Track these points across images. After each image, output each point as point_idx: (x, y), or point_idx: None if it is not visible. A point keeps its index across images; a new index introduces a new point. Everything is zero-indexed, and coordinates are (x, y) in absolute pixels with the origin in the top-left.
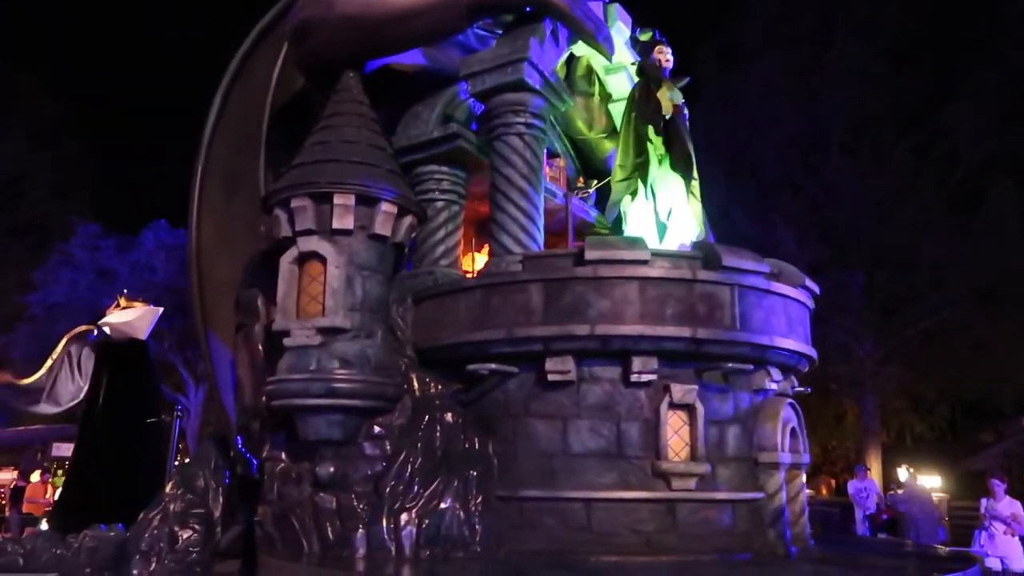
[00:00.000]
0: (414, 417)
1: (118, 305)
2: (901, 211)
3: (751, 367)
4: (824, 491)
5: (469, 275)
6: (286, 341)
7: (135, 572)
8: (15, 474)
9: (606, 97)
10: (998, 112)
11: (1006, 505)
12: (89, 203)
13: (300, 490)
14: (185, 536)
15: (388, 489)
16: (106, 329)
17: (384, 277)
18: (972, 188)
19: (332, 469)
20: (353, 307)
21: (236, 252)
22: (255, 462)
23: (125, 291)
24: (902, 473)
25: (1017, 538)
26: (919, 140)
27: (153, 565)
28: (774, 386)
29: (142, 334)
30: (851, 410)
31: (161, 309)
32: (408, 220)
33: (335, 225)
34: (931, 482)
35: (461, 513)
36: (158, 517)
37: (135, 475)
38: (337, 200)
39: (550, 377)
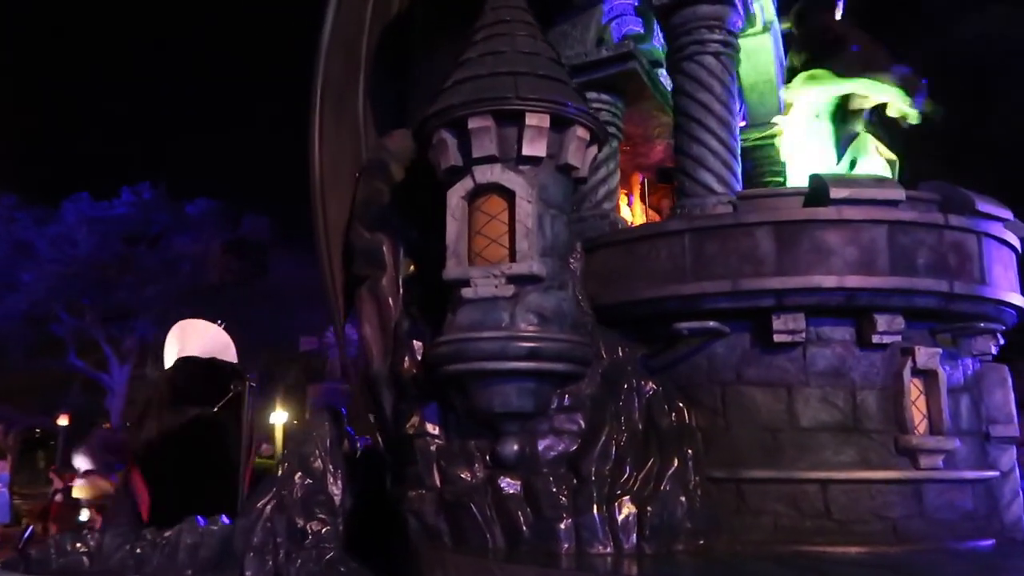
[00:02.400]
0: (605, 386)
1: None
2: None
3: (981, 326)
4: None
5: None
6: (465, 292)
7: (248, 574)
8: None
9: None
10: None
11: None
12: (4, 173)
13: (472, 473)
14: (315, 529)
15: (593, 471)
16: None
17: (568, 219)
18: None
19: (516, 447)
20: (544, 252)
21: (342, 190)
22: (381, 439)
23: None
24: None
25: None
26: None
27: (269, 564)
28: (995, 350)
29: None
30: None
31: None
32: (593, 151)
33: (525, 151)
34: None
35: (683, 499)
36: (270, 506)
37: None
38: (530, 120)
39: (776, 338)
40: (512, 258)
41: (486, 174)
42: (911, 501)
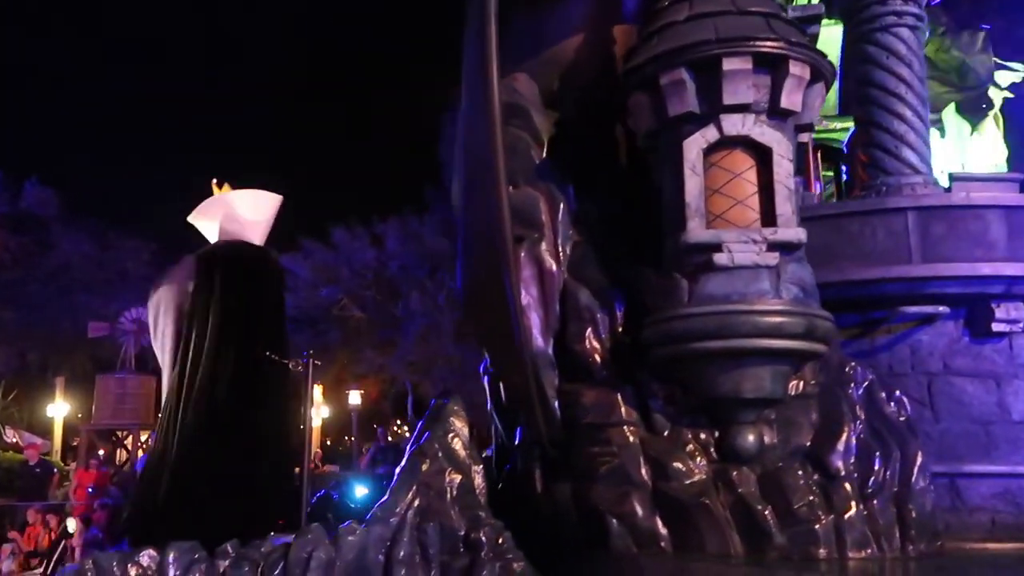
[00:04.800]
0: (827, 372)
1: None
2: None
3: None
4: None
5: None
6: (718, 259)
7: None
8: None
9: None
10: None
11: None
12: None
13: (695, 467)
14: (485, 537)
15: (841, 466)
16: (208, 231)
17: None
18: None
19: (752, 438)
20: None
21: None
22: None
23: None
24: None
25: None
26: None
27: None
28: None
29: (259, 235)
30: None
31: (280, 197)
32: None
33: (783, 103)
34: None
35: (931, 494)
36: (412, 509)
37: (257, 448)
38: (793, 69)
39: (995, 327)
40: (769, 222)
41: (736, 125)
42: None
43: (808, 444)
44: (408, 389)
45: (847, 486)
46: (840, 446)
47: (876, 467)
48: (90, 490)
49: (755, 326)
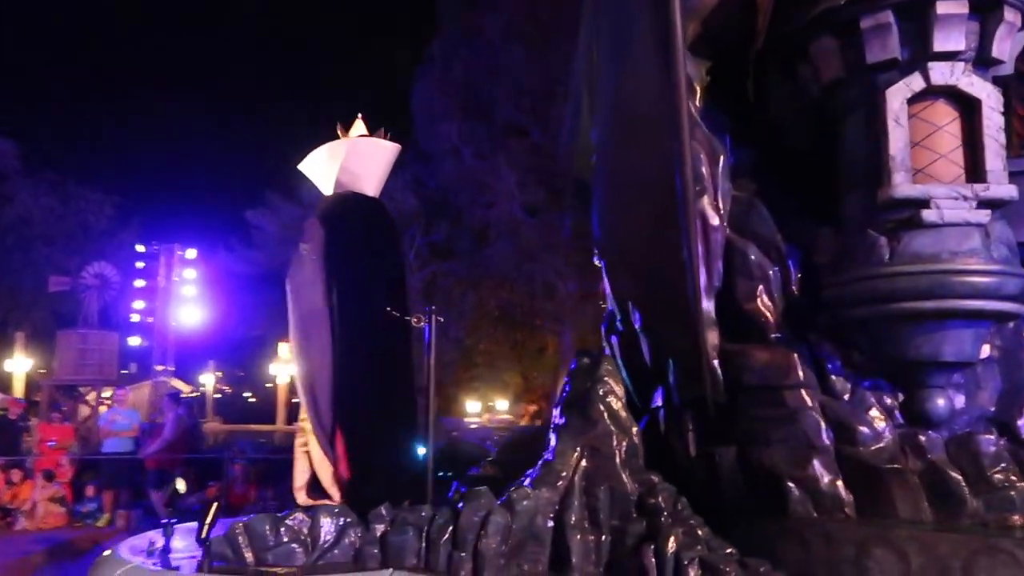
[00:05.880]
0: (999, 334)
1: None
2: None
3: None
4: (526, 418)
5: None
6: (927, 215)
7: (574, 559)
8: None
9: None
10: None
11: None
12: None
13: (882, 432)
14: (658, 500)
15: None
16: (322, 182)
17: None
18: None
19: (942, 403)
20: None
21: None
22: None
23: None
24: None
25: None
26: None
27: (592, 543)
28: None
29: (374, 186)
30: (551, 343)
31: (397, 146)
32: None
33: (994, 52)
34: None
35: None
36: (583, 465)
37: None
38: (1008, 15)
39: None
40: (976, 178)
41: (944, 74)
42: None
43: (993, 409)
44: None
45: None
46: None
47: None
48: (52, 444)
49: (973, 287)
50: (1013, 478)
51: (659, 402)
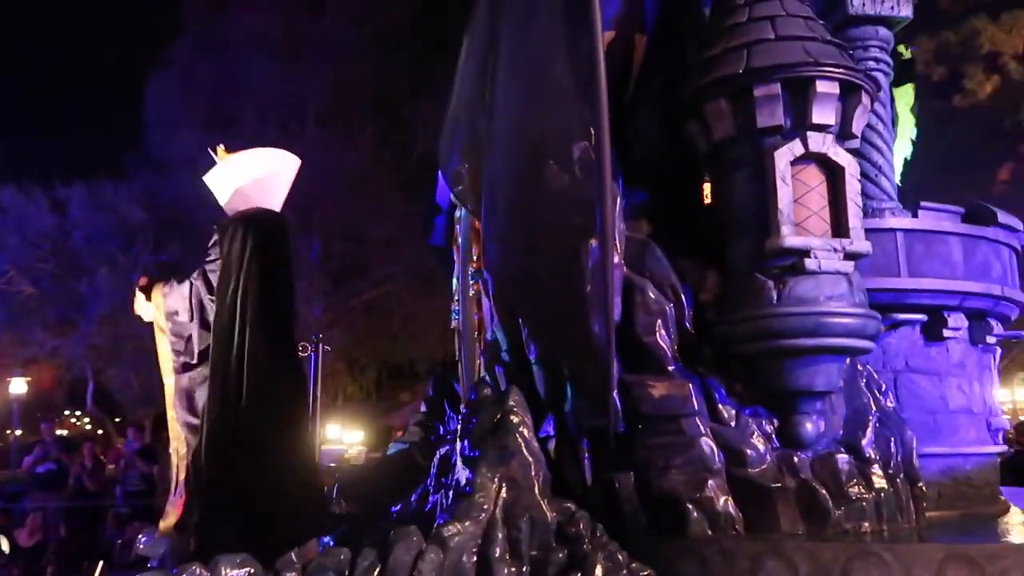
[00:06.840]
0: None
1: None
2: (362, 188)
3: None
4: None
5: None
6: (809, 264)
7: None
8: None
9: None
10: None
11: None
12: None
13: (764, 455)
14: (577, 527)
15: (873, 450)
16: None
17: None
18: (421, 178)
19: (810, 427)
20: None
21: None
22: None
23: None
24: (332, 430)
25: None
26: (383, 127)
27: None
28: None
29: (277, 200)
30: None
31: (298, 160)
32: None
33: (853, 128)
34: (355, 436)
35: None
36: (503, 497)
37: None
38: (864, 98)
39: (946, 333)
40: (841, 233)
41: (819, 143)
42: None
43: (841, 432)
44: (89, 376)
45: (877, 468)
46: (869, 432)
47: (893, 451)
48: None
49: (845, 327)
50: (863, 491)
51: (550, 431)
